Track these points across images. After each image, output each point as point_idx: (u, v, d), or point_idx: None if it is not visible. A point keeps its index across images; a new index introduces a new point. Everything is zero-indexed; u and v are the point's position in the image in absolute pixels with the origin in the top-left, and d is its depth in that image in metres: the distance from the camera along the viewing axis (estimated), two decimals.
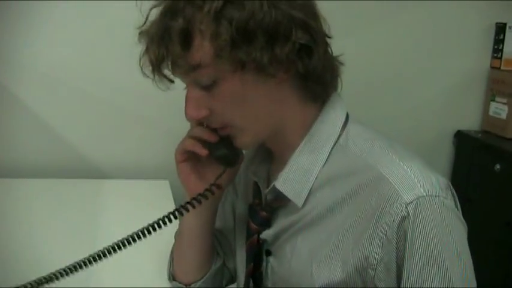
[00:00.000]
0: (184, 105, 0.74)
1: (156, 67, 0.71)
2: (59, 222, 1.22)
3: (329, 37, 0.75)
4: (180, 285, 0.93)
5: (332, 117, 0.77)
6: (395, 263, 0.67)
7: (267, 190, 0.80)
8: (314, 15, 0.73)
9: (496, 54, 1.77)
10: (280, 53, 0.67)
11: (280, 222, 0.80)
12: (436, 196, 0.66)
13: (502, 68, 1.75)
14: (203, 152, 0.78)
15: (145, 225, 0.76)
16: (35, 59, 1.46)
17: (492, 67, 1.79)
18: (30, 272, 0.97)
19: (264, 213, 0.82)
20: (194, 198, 0.80)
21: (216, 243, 0.96)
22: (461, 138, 1.82)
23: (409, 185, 0.66)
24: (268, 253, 0.83)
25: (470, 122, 1.84)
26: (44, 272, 0.96)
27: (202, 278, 0.92)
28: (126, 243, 0.75)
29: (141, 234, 0.76)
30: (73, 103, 1.51)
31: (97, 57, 1.48)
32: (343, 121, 0.77)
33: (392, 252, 0.67)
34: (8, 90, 1.47)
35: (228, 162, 0.80)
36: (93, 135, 1.57)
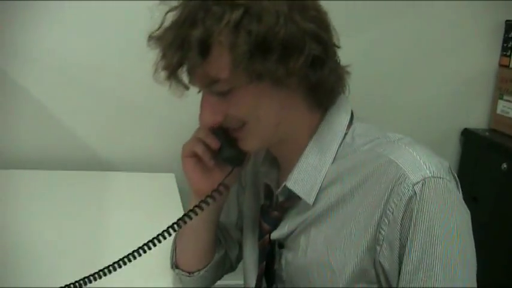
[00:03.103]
0: (199, 108, 0.76)
1: (173, 73, 0.72)
2: (65, 214, 1.23)
3: (338, 47, 0.77)
4: (183, 273, 0.94)
5: (337, 119, 0.80)
6: (398, 241, 0.69)
7: (278, 191, 0.82)
8: (326, 26, 0.75)
9: (505, 53, 1.75)
10: (294, 65, 0.69)
11: (292, 221, 0.82)
12: (440, 178, 0.69)
13: (510, 66, 1.73)
14: (209, 164, 0.82)
15: (155, 234, 0.80)
16: (46, 52, 1.46)
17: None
18: (35, 264, 0.98)
19: (275, 213, 0.84)
20: (203, 201, 0.82)
21: (219, 233, 0.98)
22: (468, 136, 1.81)
23: (416, 167, 0.70)
24: (281, 246, 0.85)
25: (478, 120, 1.83)
26: (49, 265, 0.97)
27: (205, 267, 0.94)
28: (137, 255, 0.80)
29: (151, 244, 0.80)
30: (82, 96, 1.52)
31: (107, 51, 1.48)
32: (348, 121, 0.80)
33: (397, 230, 0.69)
34: (17, 83, 1.47)
35: (236, 163, 0.82)
36: (100, 128, 1.58)
